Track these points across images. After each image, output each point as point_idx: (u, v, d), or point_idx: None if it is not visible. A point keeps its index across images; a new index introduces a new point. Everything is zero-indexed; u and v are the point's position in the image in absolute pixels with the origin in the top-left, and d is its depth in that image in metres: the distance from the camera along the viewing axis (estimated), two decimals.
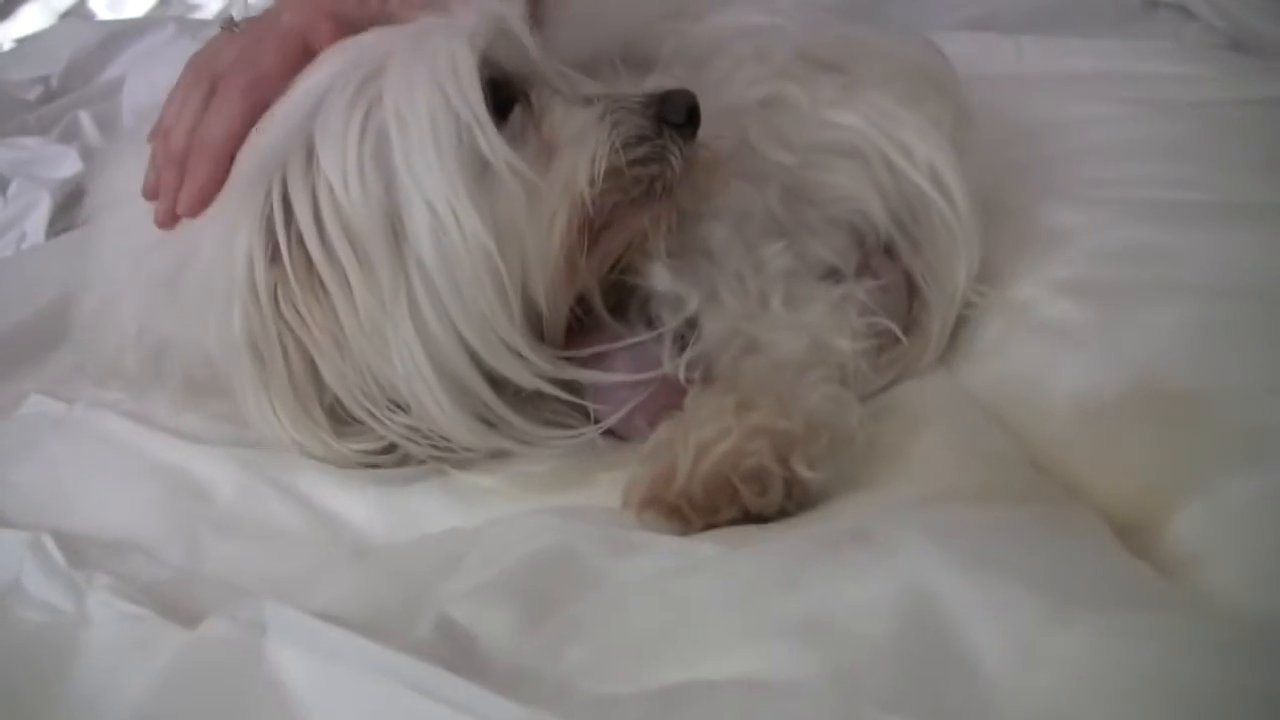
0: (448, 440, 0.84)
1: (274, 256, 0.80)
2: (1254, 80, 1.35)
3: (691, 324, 0.89)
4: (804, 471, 0.78)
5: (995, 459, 0.83)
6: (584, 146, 0.84)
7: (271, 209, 0.80)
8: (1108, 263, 0.97)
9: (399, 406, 0.84)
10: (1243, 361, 0.83)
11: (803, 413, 0.80)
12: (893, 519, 0.70)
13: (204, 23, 2.08)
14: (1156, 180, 1.09)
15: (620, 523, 0.77)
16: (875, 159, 0.97)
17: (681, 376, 0.88)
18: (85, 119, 1.66)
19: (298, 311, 0.81)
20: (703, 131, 0.89)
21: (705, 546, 0.73)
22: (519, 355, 0.83)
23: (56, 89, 1.86)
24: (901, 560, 0.65)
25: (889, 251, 0.98)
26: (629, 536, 0.74)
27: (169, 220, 0.87)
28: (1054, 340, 0.90)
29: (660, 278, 0.89)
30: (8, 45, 2.28)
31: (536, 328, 0.86)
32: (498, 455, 0.86)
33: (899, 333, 0.93)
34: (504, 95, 0.85)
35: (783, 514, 0.79)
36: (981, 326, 0.97)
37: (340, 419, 0.85)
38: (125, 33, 1.98)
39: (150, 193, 0.90)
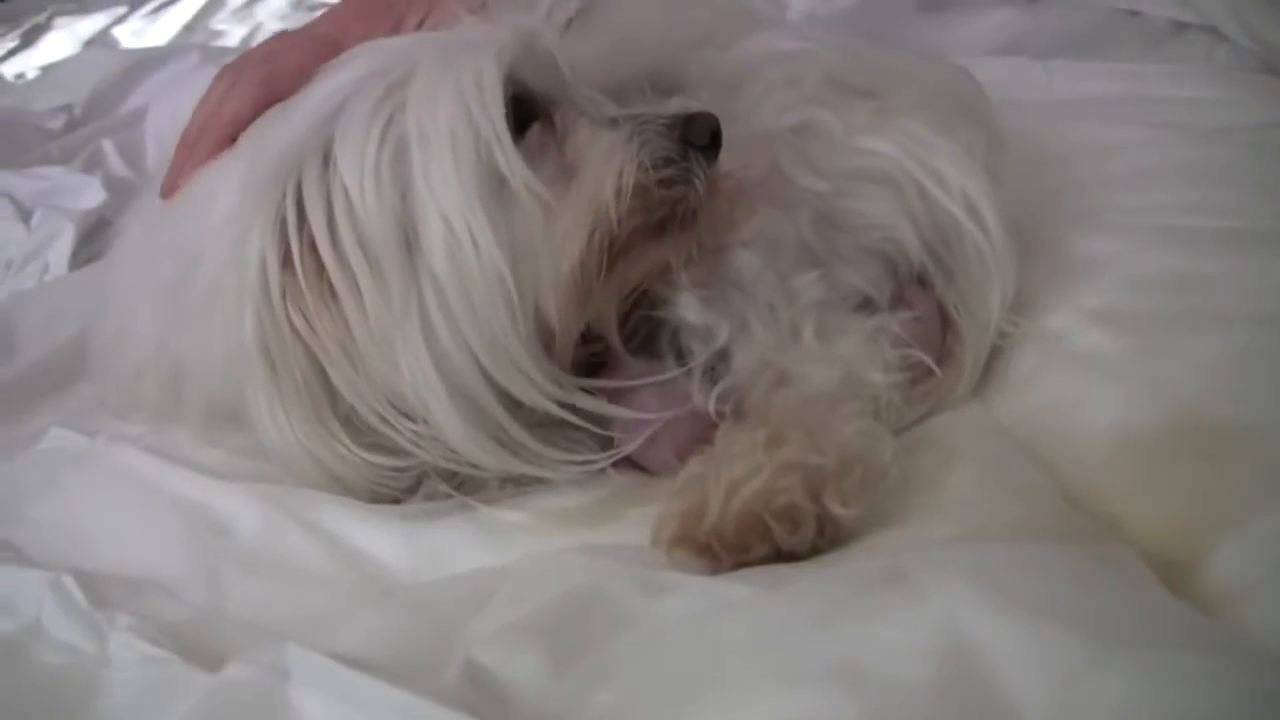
0: (458, 454, 0.83)
1: (286, 259, 0.80)
2: None
3: (722, 356, 0.88)
4: (837, 508, 0.76)
5: (1030, 494, 0.81)
6: (611, 164, 0.83)
7: (285, 211, 0.80)
8: (1142, 291, 0.95)
9: (411, 418, 0.83)
10: None
11: (835, 448, 0.79)
12: (926, 558, 0.69)
13: (227, 50, 2.08)
14: (1190, 207, 1.07)
15: (650, 562, 0.76)
16: (908, 186, 0.96)
17: (712, 410, 0.87)
18: (109, 148, 1.66)
19: (306, 317, 0.80)
20: (732, 159, 0.88)
21: (736, 588, 0.72)
22: (525, 375, 0.82)
23: (80, 118, 1.86)
24: (936, 602, 0.63)
25: (922, 281, 0.97)
26: (659, 577, 0.73)
27: (170, 190, 0.89)
28: (1089, 371, 0.89)
29: (690, 308, 0.88)
30: (31, 74, 2.29)
31: (550, 349, 0.85)
32: (514, 482, 0.86)
33: (933, 365, 0.91)
34: (526, 112, 0.85)
35: (815, 551, 0.77)
36: (1015, 357, 0.95)
37: (356, 428, 0.84)
38: (148, 61, 1.98)
39: (165, 189, 0.91)
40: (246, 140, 0.91)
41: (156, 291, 0.91)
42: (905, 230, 0.96)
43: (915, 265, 0.97)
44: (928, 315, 0.95)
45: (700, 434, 0.85)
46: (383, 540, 0.83)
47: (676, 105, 0.88)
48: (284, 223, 0.80)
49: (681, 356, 0.89)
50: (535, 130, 0.85)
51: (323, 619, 0.76)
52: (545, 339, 0.84)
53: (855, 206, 0.96)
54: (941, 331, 0.97)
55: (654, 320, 0.90)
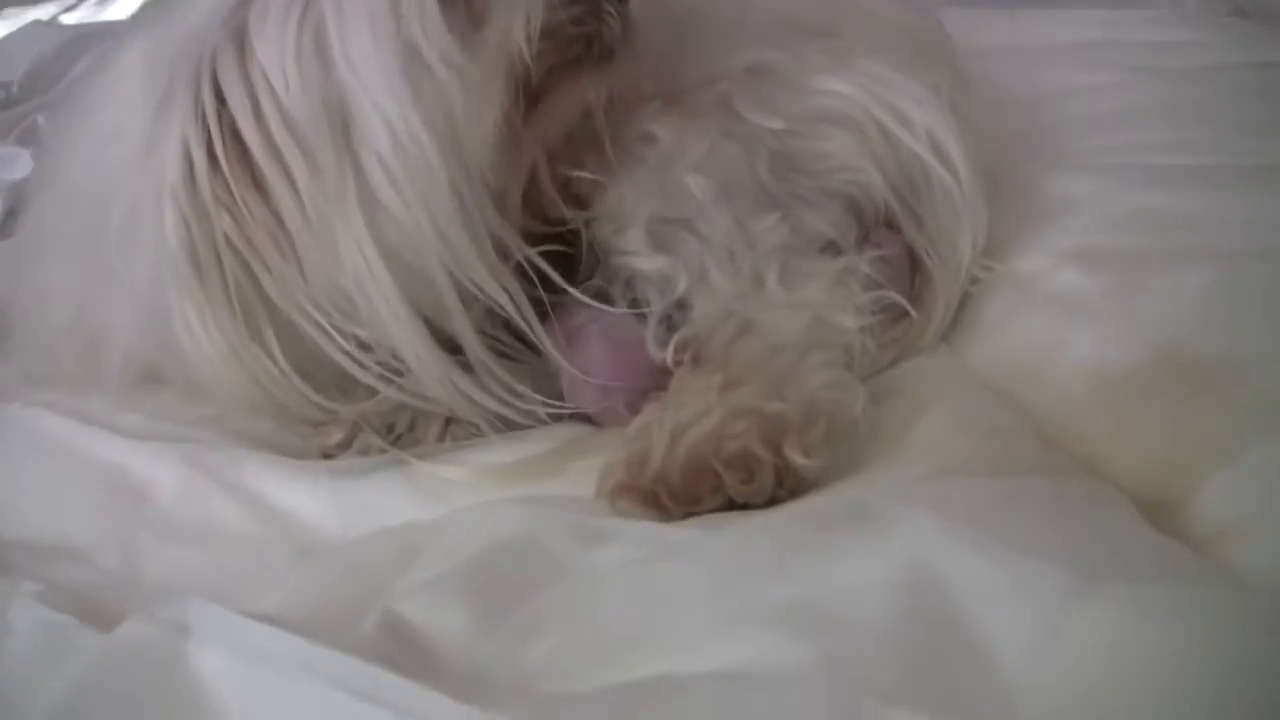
0: (403, 362, 0.78)
1: (209, 154, 0.75)
2: (1259, 45, 1.30)
3: (680, 305, 0.83)
4: (798, 459, 0.71)
5: (1005, 435, 0.76)
6: (517, 7, 0.78)
7: (204, 102, 0.75)
8: (1117, 230, 0.92)
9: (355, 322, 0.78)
10: (1265, 326, 0.78)
11: (801, 398, 0.74)
12: (891, 494, 0.63)
13: None
14: (1162, 146, 1.05)
15: (593, 513, 0.71)
16: (870, 128, 0.91)
17: (670, 360, 0.81)
18: (43, 123, 1.59)
19: (235, 216, 0.75)
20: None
21: (681, 532, 0.66)
22: (477, 247, 0.77)
23: (17, 95, 1.79)
24: (903, 537, 0.58)
25: (889, 225, 0.92)
26: (599, 525, 0.67)
27: None
28: (1064, 313, 0.85)
29: (643, 255, 0.83)
30: None
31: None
32: (452, 435, 0.82)
33: (908, 306, 0.87)
34: None
35: (774, 503, 0.72)
36: (987, 302, 0.91)
37: (291, 350, 0.78)
38: (88, 37, 1.90)
39: None
40: (135, 52, 0.84)
41: (70, 246, 0.86)
42: (869, 172, 0.91)
43: (881, 209, 0.92)
44: (895, 258, 0.90)
45: (654, 383, 0.81)
46: (309, 499, 0.78)
47: None
48: (204, 115, 0.75)
49: (636, 305, 0.85)
50: None
51: (242, 582, 0.70)
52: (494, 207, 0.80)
53: (815, 147, 0.91)
54: (910, 276, 0.92)
55: (606, 267, 0.85)
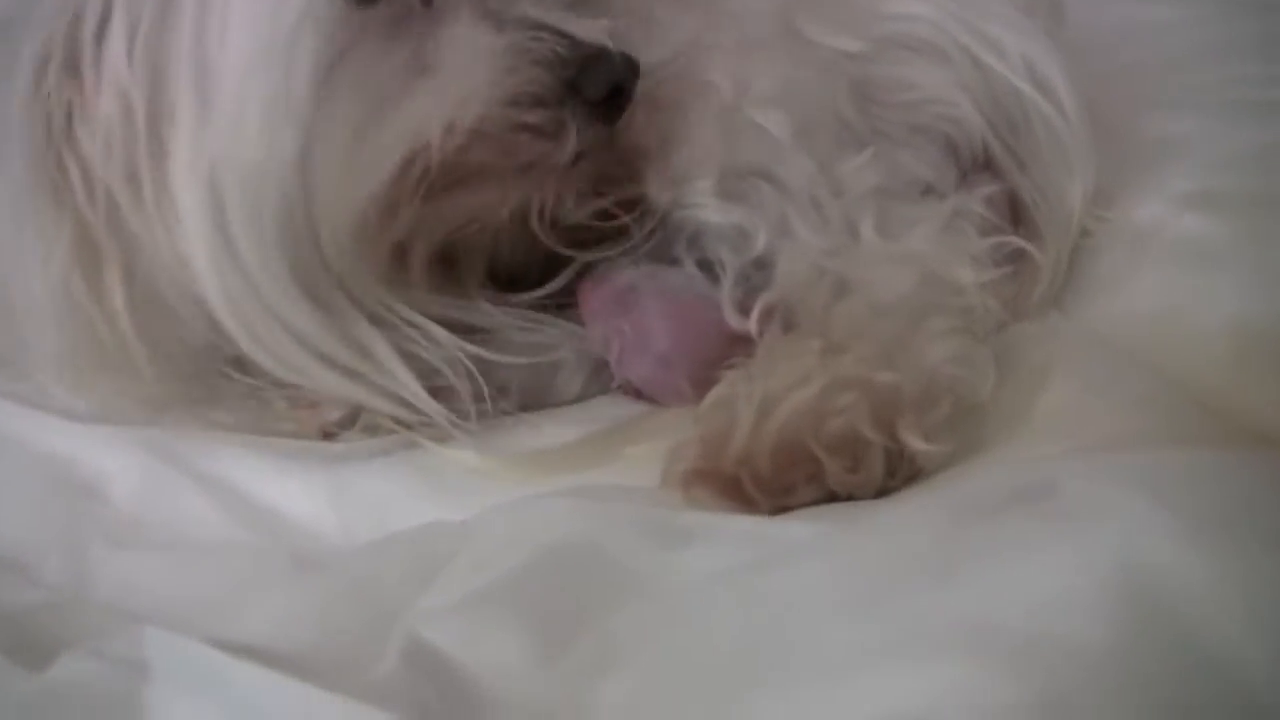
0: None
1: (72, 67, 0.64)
2: None
3: (759, 265, 0.71)
4: (916, 443, 0.58)
5: (1153, 403, 0.63)
6: (460, 83, 0.65)
7: (84, 15, 0.63)
8: (1234, 171, 0.82)
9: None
10: None
11: (920, 372, 0.61)
12: (1074, 469, 0.48)
13: None
14: (1265, 79, 0.96)
15: (662, 506, 0.57)
16: (957, 55, 0.78)
17: (754, 329, 0.68)
18: None
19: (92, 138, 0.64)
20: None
21: (794, 528, 0.52)
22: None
23: None
24: (1106, 526, 0.44)
25: (989, 169, 0.79)
26: (681, 521, 0.53)
27: None
28: (1192, 264, 0.75)
29: (711, 206, 0.71)
30: None
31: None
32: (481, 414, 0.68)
33: (1034, 251, 0.74)
34: None
35: (883, 496, 0.58)
36: (1100, 256, 0.79)
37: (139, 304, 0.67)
38: None
39: None
40: None
41: None
42: (963, 105, 0.78)
43: (980, 149, 0.79)
44: (997, 199, 0.77)
45: (722, 354, 0.68)
46: (301, 495, 0.65)
47: (592, 31, 0.68)
48: (79, 25, 0.63)
49: (708, 267, 0.72)
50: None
51: (219, 602, 0.57)
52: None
53: (899, 75, 0.78)
54: (1012, 228, 0.78)
55: (666, 224, 0.73)
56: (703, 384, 0.65)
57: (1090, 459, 0.53)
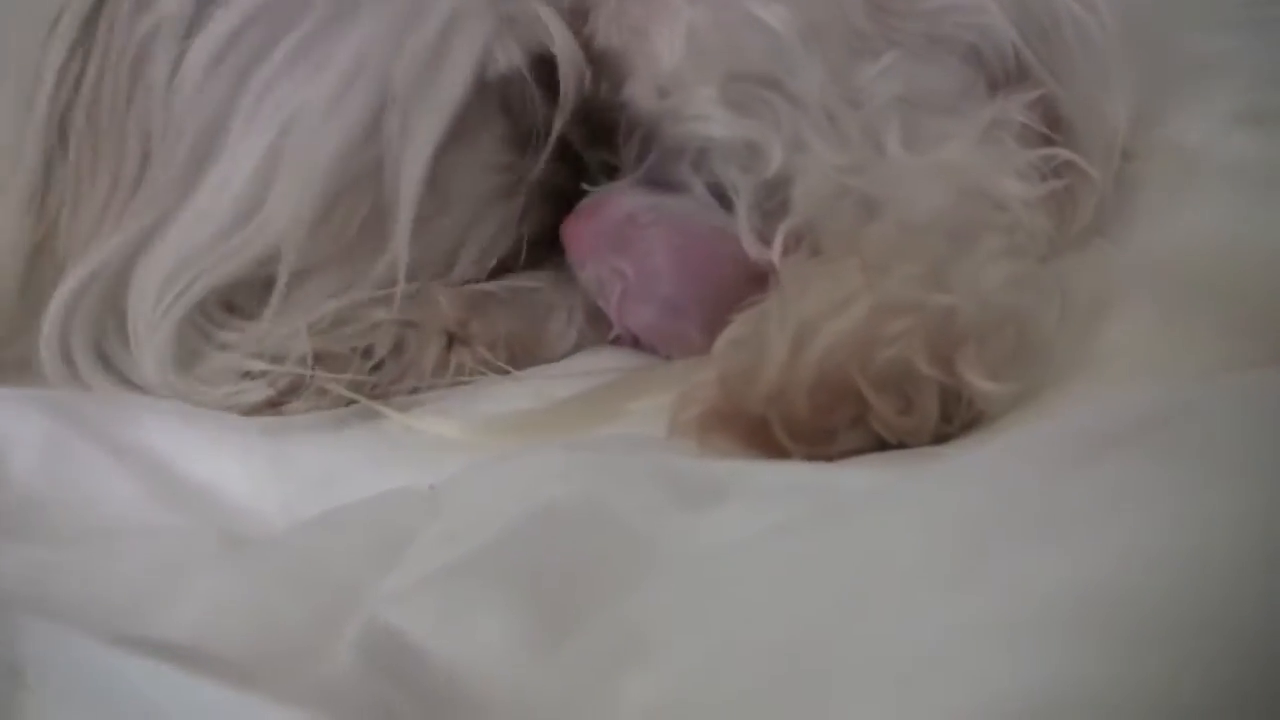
0: None
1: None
2: None
3: (774, 187, 0.63)
4: (978, 381, 0.50)
5: (1244, 330, 0.55)
6: None
7: None
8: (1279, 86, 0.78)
9: None
10: None
11: (977, 297, 0.52)
12: (1188, 402, 0.39)
13: None
14: None
15: (685, 455, 0.48)
16: None
17: (776, 258, 0.60)
18: None
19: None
20: None
21: (853, 476, 0.42)
22: None
23: None
24: (1241, 469, 0.34)
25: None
26: (706, 471, 0.42)
27: None
28: (1247, 186, 0.69)
29: (720, 121, 0.63)
30: None
31: None
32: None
33: (1085, 165, 0.66)
34: None
35: (938, 443, 0.50)
36: (1146, 181, 0.72)
37: None
38: None
39: None
40: None
41: None
42: (990, 10, 0.69)
43: (1011, 60, 0.70)
44: (1036, 110, 0.69)
45: (738, 295, 0.59)
46: (237, 468, 0.56)
47: None
48: None
49: (717, 189, 0.66)
50: None
51: (139, 593, 0.46)
52: None
53: None
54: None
55: (663, 141, 0.66)
56: (716, 331, 0.57)
57: (1199, 391, 0.43)
